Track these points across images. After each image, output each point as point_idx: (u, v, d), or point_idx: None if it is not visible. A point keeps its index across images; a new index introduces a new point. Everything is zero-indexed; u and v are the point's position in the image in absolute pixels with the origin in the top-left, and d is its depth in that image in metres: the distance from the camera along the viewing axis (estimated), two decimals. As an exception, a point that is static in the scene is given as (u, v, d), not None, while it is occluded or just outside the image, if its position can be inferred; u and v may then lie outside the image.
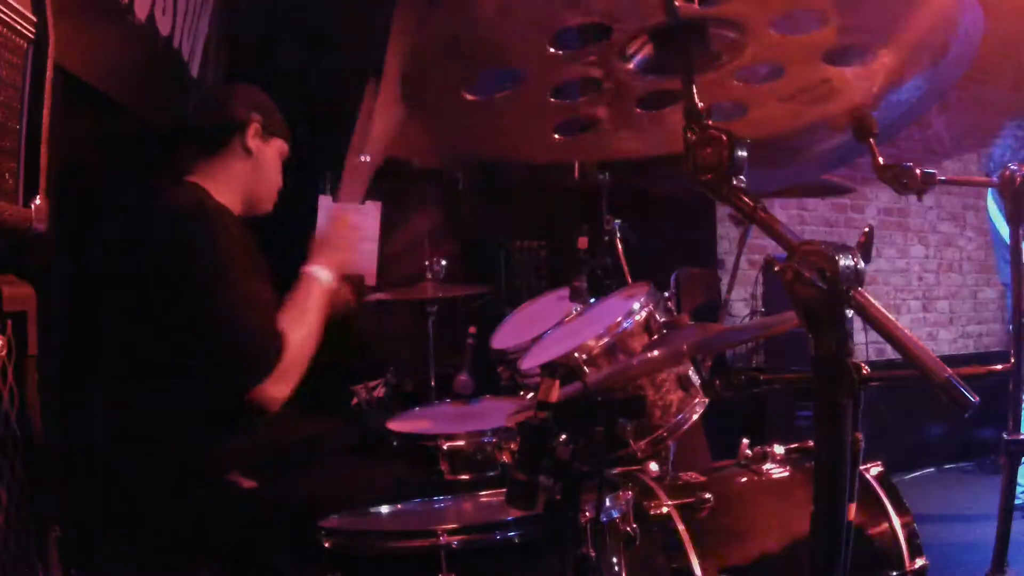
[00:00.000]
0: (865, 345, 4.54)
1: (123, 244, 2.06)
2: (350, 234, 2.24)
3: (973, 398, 0.85)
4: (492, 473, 2.23)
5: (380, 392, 2.77)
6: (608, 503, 1.55)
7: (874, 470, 2.08)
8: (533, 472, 1.28)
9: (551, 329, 2.22)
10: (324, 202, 2.59)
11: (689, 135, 1.06)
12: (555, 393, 1.31)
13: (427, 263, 3.00)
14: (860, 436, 0.96)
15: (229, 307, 1.90)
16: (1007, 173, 1.83)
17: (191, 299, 1.92)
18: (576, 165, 3.88)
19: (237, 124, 2.14)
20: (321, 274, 2.09)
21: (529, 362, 2.08)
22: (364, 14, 3.75)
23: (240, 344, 1.90)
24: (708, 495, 1.86)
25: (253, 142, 2.15)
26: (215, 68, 3.06)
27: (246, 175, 2.17)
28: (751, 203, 1.03)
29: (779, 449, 2.07)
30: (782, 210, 5.44)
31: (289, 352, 1.93)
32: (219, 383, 1.92)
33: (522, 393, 2.10)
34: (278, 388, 1.92)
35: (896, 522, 1.98)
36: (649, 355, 1.78)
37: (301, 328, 1.99)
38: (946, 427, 5.19)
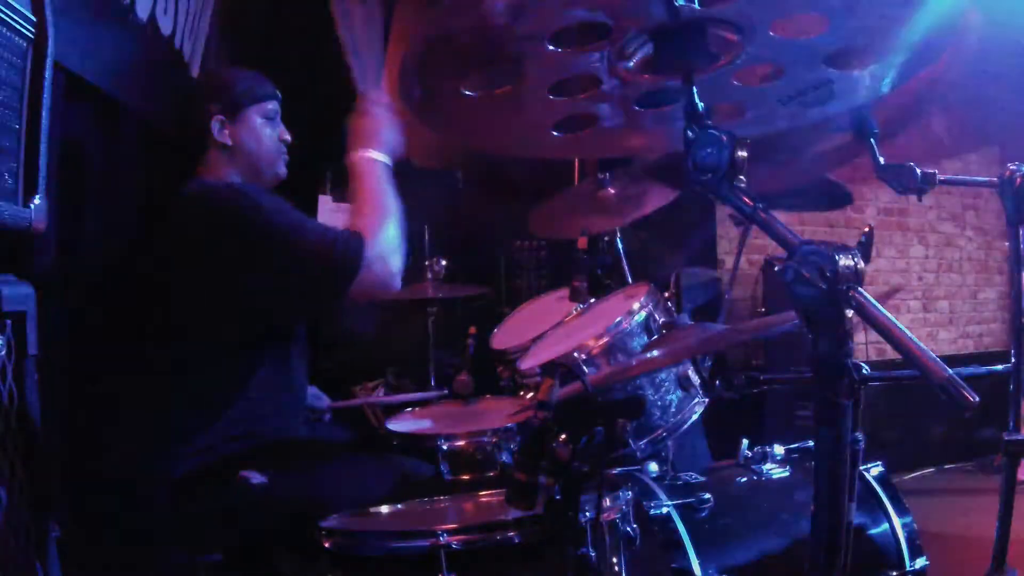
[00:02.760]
0: (865, 345, 4.54)
1: (153, 240, 2.06)
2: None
3: (973, 398, 0.85)
4: (492, 473, 2.22)
5: (380, 392, 2.76)
6: (608, 503, 1.55)
7: (874, 470, 2.08)
8: (533, 472, 1.28)
9: (551, 329, 2.22)
10: (324, 202, 2.59)
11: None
12: (555, 393, 1.31)
13: (427, 263, 3.00)
14: (860, 436, 0.97)
15: (300, 237, 1.89)
16: (1007, 173, 1.83)
17: (267, 251, 1.90)
18: (576, 165, 3.88)
19: (200, 128, 2.13)
20: (374, 156, 2.04)
21: (529, 362, 2.08)
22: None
23: (326, 249, 1.87)
24: (708, 495, 1.86)
25: (222, 135, 2.13)
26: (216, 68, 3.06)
27: (236, 163, 2.16)
28: (751, 203, 1.03)
29: (779, 449, 2.07)
30: (782, 210, 5.43)
31: (374, 239, 1.91)
32: (331, 289, 1.90)
33: (522, 393, 2.10)
34: (383, 266, 1.90)
35: (896, 522, 1.99)
36: (649, 355, 1.78)
37: (375, 213, 1.97)
38: (946, 427, 5.19)
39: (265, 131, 2.19)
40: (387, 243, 1.93)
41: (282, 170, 2.23)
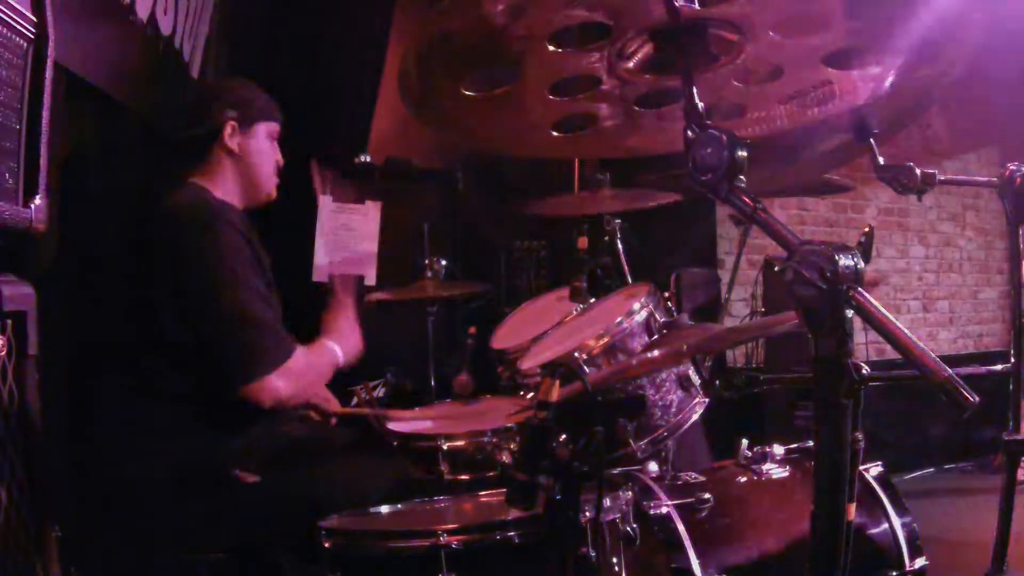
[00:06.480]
0: (865, 345, 4.54)
1: (131, 245, 2.09)
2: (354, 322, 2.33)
3: (973, 398, 0.85)
4: (492, 473, 2.22)
5: (380, 392, 2.76)
6: (608, 503, 1.55)
7: (874, 470, 2.08)
8: (533, 472, 1.28)
9: (551, 329, 2.22)
10: (324, 202, 2.60)
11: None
12: (555, 393, 1.31)
13: (427, 263, 3.00)
14: (860, 436, 0.96)
15: (237, 302, 1.94)
16: (1007, 173, 1.83)
17: (199, 295, 1.95)
18: (576, 165, 3.88)
19: (212, 130, 2.16)
20: (337, 351, 2.19)
21: (529, 362, 2.08)
22: (364, 14, 3.75)
23: (250, 334, 1.94)
24: (708, 495, 1.86)
25: (232, 142, 2.17)
26: (215, 68, 3.06)
27: (237, 172, 2.20)
28: (751, 203, 1.03)
29: (779, 449, 2.07)
30: (782, 210, 5.43)
31: (297, 359, 1.99)
32: (228, 372, 1.95)
33: (522, 393, 2.10)
34: (282, 383, 1.96)
35: (896, 522, 1.98)
36: (649, 355, 1.78)
37: (312, 358, 2.09)
38: (946, 427, 5.18)
39: (268, 148, 2.23)
40: (297, 387, 2.04)
41: (273, 192, 2.28)
